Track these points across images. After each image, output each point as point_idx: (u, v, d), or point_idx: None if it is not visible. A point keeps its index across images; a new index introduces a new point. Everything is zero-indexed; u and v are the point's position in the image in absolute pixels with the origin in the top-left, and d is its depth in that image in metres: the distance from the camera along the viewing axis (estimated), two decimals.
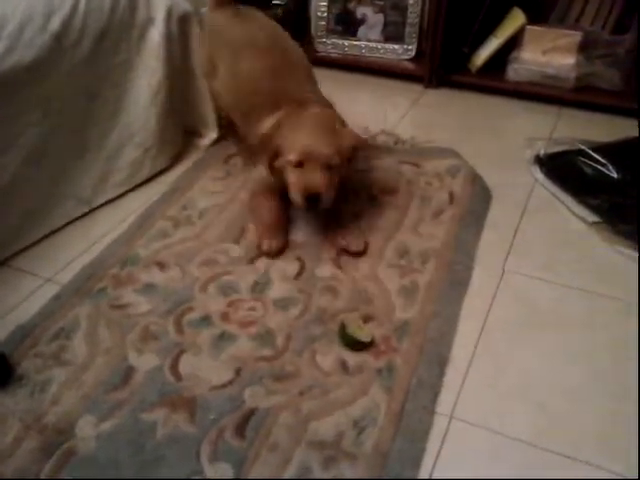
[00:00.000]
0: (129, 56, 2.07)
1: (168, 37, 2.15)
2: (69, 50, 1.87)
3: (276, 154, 1.80)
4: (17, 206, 1.83)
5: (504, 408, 1.39)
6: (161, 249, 1.85)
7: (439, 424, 1.36)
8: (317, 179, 1.73)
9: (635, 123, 2.42)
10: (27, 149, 1.81)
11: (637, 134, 2.29)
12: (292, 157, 1.74)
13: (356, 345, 1.51)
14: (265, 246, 1.82)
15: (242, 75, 2.03)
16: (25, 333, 1.56)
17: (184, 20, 2.19)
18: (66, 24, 1.86)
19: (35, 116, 1.82)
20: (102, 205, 2.05)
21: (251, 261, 1.81)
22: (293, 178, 1.77)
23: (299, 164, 1.75)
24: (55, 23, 1.83)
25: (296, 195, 1.76)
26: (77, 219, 1.98)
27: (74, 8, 1.88)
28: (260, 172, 1.93)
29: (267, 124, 1.89)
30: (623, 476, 1.26)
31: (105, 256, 1.82)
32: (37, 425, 1.34)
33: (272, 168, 1.84)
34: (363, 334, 1.52)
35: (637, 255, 1.81)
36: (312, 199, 1.74)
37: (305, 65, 2.12)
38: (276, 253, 1.82)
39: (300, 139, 1.76)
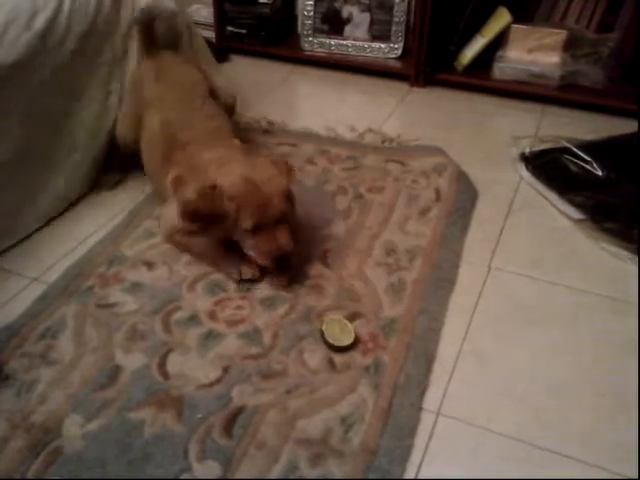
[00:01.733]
0: (114, 55, 2.07)
1: None
2: (53, 49, 1.86)
3: (219, 219, 1.63)
4: (1, 206, 1.82)
5: (491, 404, 1.40)
6: (148, 248, 1.85)
7: (426, 420, 1.37)
8: (280, 239, 1.64)
9: (621, 121, 2.45)
10: (11, 150, 1.80)
11: (620, 132, 2.30)
12: (247, 225, 1.61)
13: (336, 350, 1.51)
14: (248, 273, 1.72)
15: (151, 133, 1.93)
16: (12, 333, 1.55)
17: (170, 20, 2.18)
18: (50, 23, 1.84)
19: (19, 116, 1.80)
20: (88, 204, 2.05)
21: None
22: (253, 244, 1.65)
23: (256, 228, 1.63)
24: (39, 22, 1.82)
25: (263, 260, 1.66)
26: (63, 219, 1.98)
27: (59, 7, 1.87)
28: (171, 215, 1.78)
29: (169, 178, 1.79)
30: (608, 470, 1.27)
31: (92, 255, 1.82)
32: (24, 424, 1.33)
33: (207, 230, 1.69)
34: (344, 337, 1.52)
35: (622, 252, 1.83)
36: (281, 259, 1.66)
37: (214, 113, 1.98)
38: (261, 275, 1.73)
39: (246, 200, 1.61)
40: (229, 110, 2.18)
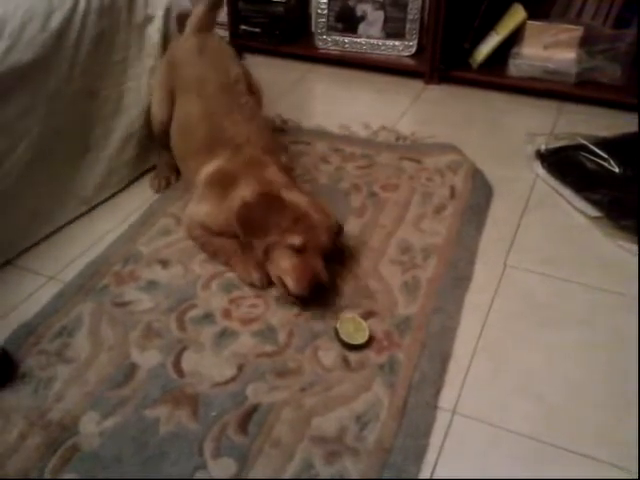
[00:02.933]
0: (128, 54, 2.08)
1: (167, 35, 2.16)
2: (69, 49, 1.87)
3: (270, 226, 1.59)
4: (21, 206, 1.83)
5: (506, 402, 1.40)
6: (163, 246, 1.85)
7: (442, 419, 1.36)
8: (320, 266, 1.58)
9: (636, 118, 2.42)
10: (31, 149, 1.81)
11: (637, 129, 2.28)
12: (296, 241, 1.56)
13: (351, 348, 1.51)
14: (257, 281, 1.68)
15: (188, 117, 1.92)
16: (29, 331, 1.56)
17: (183, 18, 2.19)
18: (66, 23, 1.86)
19: (37, 116, 1.81)
20: (104, 203, 2.06)
21: None
22: (292, 264, 1.57)
23: (301, 249, 1.57)
24: (55, 22, 1.83)
25: (298, 284, 1.55)
26: (79, 217, 1.99)
27: (74, 7, 1.88)
28: (198, 210, 1.80)
29: (206, 170, 1.79)
30: (622, 468, 1.26)
31: (108, 254, 1.83)
32: (41, 422, 1.34)
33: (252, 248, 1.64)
34: (359, 335, 1.52)
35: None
36: (316, 289, 1.57)
37: (256, 111, 1.98)
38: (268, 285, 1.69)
39: (304, 217, 1.59)
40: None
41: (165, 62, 2.09)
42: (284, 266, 1.58)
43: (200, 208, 1.79)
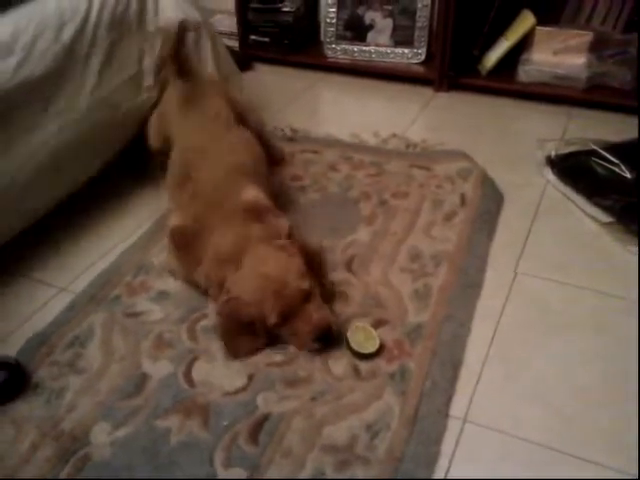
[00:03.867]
0: (141, 67, 2.09)
1: None
2: (81, 61, 1.89)
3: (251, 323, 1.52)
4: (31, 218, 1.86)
5: (517, 410, 1.39)
6: None
7: (453, 427, 1.36)
8: (315, 316, 1.50)
9: None
10: (42, 163, 1.81)
11: None
12: (273, 320, 1.49)
13: (361, 357, 1.51)
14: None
15: (173, 165, 1.91)
16: (41, 341, 1.57)
17: (194, 30, 2.20)
18: (77, 35, 1.87)
19: (51, 129, 1.82)
20: (114, 214, 2.08)
21: None
22: (291, 332, 1.53)
23: (284, 318, 1.50)
24: (67, 34, 1.85)
25: (307, 345, 1.52)
26: (90, 228, 2.01)
27: (85, 19, 1.90)
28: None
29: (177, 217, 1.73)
30: (632, 475, 1.25)
31: (119, 264, 1.84)
32: (53, 432, 1.35)
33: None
34: (369, 344, 1.51)
35: None
36: (325, 338, 1.51)
37: (235, 146, 1.91)
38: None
39: (263, 298, 1.49)
40: (259, 136, 2.09)
41: (161, 104, 2.11)
42: (288, 338, 1.54)
43: (177, 267, 1.76)
